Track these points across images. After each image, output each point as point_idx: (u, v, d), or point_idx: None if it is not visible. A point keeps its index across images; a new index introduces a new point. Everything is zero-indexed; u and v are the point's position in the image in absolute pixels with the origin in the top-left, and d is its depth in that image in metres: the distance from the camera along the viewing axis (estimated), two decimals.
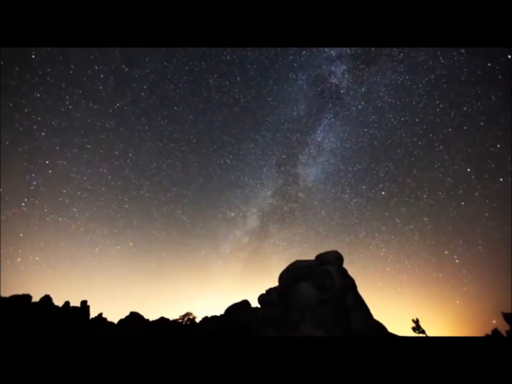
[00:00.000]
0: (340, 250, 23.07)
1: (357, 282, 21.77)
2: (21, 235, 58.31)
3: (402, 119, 60.96)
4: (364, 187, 66.80)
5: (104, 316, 29.49)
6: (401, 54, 56.48)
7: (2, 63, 47.58)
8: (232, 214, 75.49)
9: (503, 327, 16.96)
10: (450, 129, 56.48)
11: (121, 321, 28.57)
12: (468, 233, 57.75)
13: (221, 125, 74.38)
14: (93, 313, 29.33)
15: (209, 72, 67.94)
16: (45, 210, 59.95)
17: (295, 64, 65.96)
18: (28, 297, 25.91)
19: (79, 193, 62.49)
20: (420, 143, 60.13)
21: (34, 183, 56.65)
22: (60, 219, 62.19)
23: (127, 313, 29.14)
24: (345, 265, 22.48)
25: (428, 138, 59.06)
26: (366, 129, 65.38)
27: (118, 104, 62.73)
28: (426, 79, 56.73)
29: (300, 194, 71.59)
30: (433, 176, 59.57)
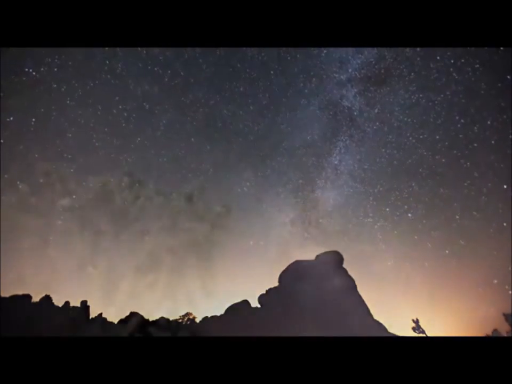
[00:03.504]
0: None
1: (358, 283, 21.77)
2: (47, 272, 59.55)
3: (421, 137, 56.81)
4: (387, 209, 61.47)
5: (104, 316, 29.52)
6: (412, 74, 53.72)
7: (42, 110, 52.82)
8: (251, 243, 75.12)
9: (503, 327, 16.95)
10: (475, 144, 51.67)
11: (121, 321, 28.58)
12: None
13: (236, 154, 74.84)
14: (93, 313, 29.36)
15: (224, 103, 69.02)
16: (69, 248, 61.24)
17: (306, 91, 65.72)
18: (28, 297, 25.93)
19: (102, 228, 63.86)
20: (443, 160, 55.57)
21: (61, 220, 58.10)
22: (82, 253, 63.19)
23: (127, 313, 29.16)
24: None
25: (451, 155, 54.58)
26: (383, 150, 61.18)
27: (139, 139, 64.82)
28: (442, 95, 53.18)
29: (320, 220, 68.57)
30: (464, 195, 54.29)
